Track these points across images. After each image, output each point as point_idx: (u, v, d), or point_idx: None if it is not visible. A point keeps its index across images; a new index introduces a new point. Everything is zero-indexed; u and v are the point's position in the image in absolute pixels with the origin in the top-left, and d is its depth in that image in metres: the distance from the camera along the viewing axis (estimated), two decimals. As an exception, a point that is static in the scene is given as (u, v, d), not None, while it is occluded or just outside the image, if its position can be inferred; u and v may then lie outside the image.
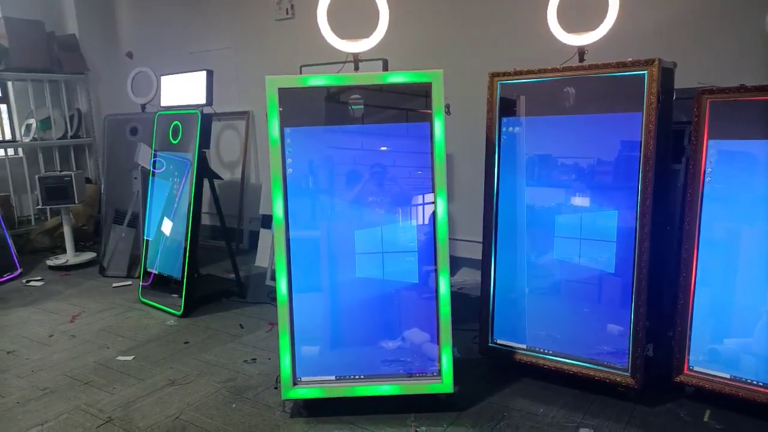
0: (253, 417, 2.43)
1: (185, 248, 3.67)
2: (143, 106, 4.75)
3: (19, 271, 4.75)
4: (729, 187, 2.33)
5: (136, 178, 4.57)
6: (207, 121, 3.74)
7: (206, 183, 3.82)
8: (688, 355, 2.41)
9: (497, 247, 2.73)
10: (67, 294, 4.25)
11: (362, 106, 2.43)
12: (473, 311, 3.01)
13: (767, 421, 2.24)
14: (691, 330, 2.41)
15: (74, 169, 5.72)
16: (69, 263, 4.88)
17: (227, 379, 2.79)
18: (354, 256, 2.44)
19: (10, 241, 4.81)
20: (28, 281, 4.56)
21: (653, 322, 2.46)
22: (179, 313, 3.66)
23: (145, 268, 4.02)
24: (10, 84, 5.80)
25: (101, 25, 6.22)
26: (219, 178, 4.07)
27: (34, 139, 5.72)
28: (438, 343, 2.41)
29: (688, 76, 2.66)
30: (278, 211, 2.38)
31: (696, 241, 2.38)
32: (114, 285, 4.40)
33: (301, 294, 2.43)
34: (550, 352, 2.61)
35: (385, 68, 3.40)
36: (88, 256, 5.04)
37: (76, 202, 4.79)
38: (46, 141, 5.82)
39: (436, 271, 2.39)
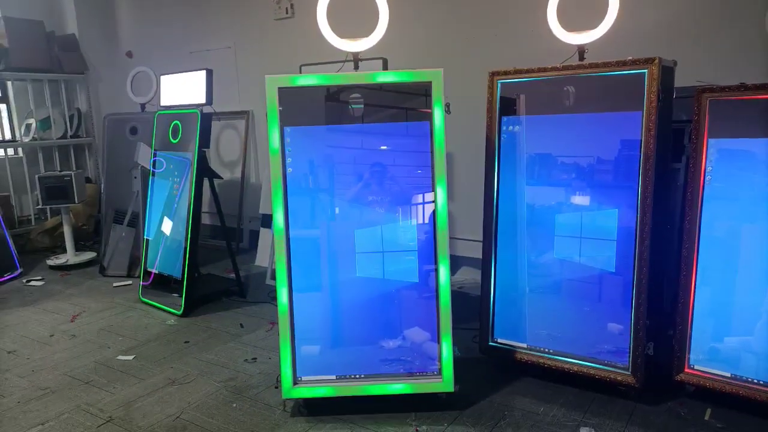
0: (254, 416, 2.43)
1: (185, 248, 3.67)
2: (143, 106, 4.75)
3: (19, 270, 4.75)
4: (729, 185, 2.33)
5: (136, 177, 4.56)
6: (207, 120, 3.74)
7: (206, 182, 3.82)
8: (689, 353, 2.41)
9: (497, 246, 2.73)
10: (68, 294, 4.25)
11: (362, 106, 2.43)
12: (474, 310, 3.01)
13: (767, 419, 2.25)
14: (691, 329, 2.41)
15: (74, 169, 5.72)
16: (69, 263, 4.88)
17: (228, 379, 2.79)
18: (354, 256, 2.44)
19: (10, 241, 4.81)
20: (28, 281, 4.56)
21: (654, 321, 2.46)
22: (179, 312, 3.66)
23: (146, 267, 4.02)
24: (9, 84, 5.79)
25: (101, 24, 6.21)
26: (219, 177, 4.07)
27: (33, 138, 5.72)
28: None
29: (688, 75, 2.65)
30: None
31: (696, 240, 2.38)
32: (114, 284, 4.40)
33: (302, 293, 2.43)
34: (551, 351, 2.61)
35: (385, 67, 3.40)
36: (89, 255, 5.04)
37: (76, 201, 4.79)
38: (46, 141, 5.82)
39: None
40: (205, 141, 3.73)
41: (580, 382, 2.54)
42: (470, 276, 4.20)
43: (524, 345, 2.68)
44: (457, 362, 2.42)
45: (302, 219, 2.43)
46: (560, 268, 2.59)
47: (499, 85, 2.67)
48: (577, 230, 2.53)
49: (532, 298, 2.67)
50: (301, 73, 3.74)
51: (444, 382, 2.39)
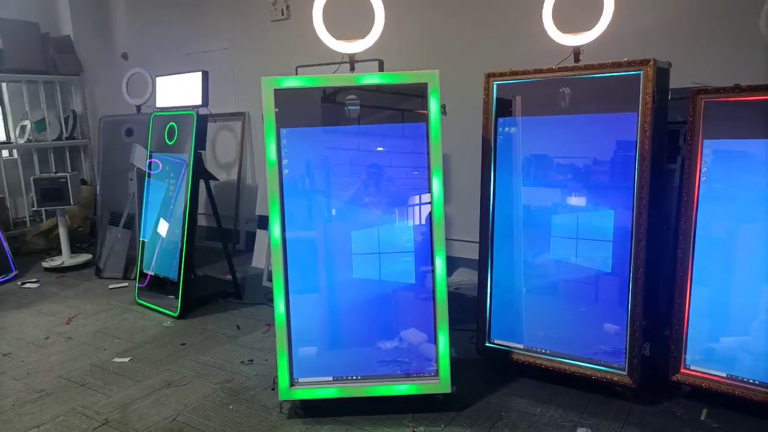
0: (251, 418, 2.43)
1: (181, 249, 3.66)
2: (138, 108, 4.74)
3: (14, 273, 4.73)
4: (724, 186, 2.34)
5: (131, 179, 4.55)
6: (203, 122, 3.73)
7: (202, 184, 3.81)
8: (685, 354, 2.42)
9: (494, 247, 2.73)
10: (63, 296, 4.24)
11: (358, 107, 2.43)
12: (470, 311, 3.02)
13: (764, 419, 2.25)
14: (687, 329, 2.41)
15: (69, 171, 5.68)
16: (65, 265, 4.86)
17: (224, 381, 2.78)
18: (351, 257, 2.44)
19: (5, 243, 4.79)
20: (23, 283, 4.54)
21: (650, 322, 2.47)
22: (176, 314, 3.65)
23: (142, 269, 4.01)
24: (4, 85, 5.77)
25: (96, 26, 6.20)
26: (215, 179, 4.06)
27: (29, 140, 5.69)
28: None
29: (683, 76, 2.66)
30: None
31: (692, 241, 2.39)
32: (110, 287, 4.39)
33: (298, 295, 2.43)
34: (548, 351, 2.61)
35: (381, 69, 3.40)
36: (84, 257, 5.02)
37: (72, 203, 4.77)
38: (41, 142, 5.80)
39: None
40: (201, 142, 3.72)
41: (577, 383, 2.54)
42: (467, 277, 4.21)
43: (521, 346, 2.68)
44: (454, 363, 2.42)
45: (299, 221, 2.43)
46: (556, 268, 2.59)
47: (495, 86, 2.67)
48: (573, 231, 2.54)
49: (528, 299, 2.67)
50: (297, 74, 3.74)
51: (441, 384, 2.39)
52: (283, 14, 4.94)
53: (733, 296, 2.33)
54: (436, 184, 2.36)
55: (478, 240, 2.78)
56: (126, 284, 4.41)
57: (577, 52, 2.54)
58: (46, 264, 4.90)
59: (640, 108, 2.32)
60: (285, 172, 2.39)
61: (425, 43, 4.25)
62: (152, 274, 3.93)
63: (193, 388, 2.72)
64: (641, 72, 2.31)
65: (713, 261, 2.37)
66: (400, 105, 2.47)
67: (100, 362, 3.05)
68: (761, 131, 2.25)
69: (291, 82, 2.37)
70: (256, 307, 3.82)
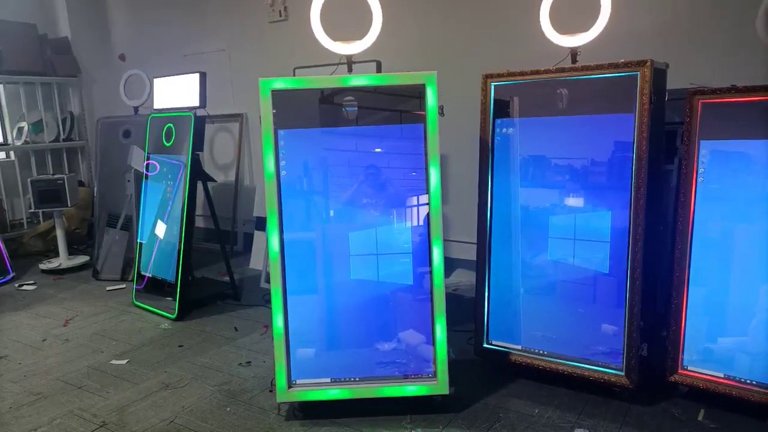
0: (248, 420, 2.43)
1: (179, 251, 3.66)
2: (136, 109, 4.73)
3: (11, 275, 4.72)
4: (721, 186, 2.35)
5: (129, 181, 4.54)
6: (200, 123, 3.73)
7: (200, 185, 3.80)
8: (682, 354, 2.42)
9: (492, 248, 2.73)
10: (60, 298, 4.23)
11: (356, 108, 2.43)
12: (468, 312, 3.02)
13: (761, 419, 2.25)
14: (684, 329, 2.42)
15: (67, 173, 5.65)
16: (62, 267, 4.85)
17: (222, 383, 2.77)
18: (348, 258, 2.44)
19: (2, 245, 4.78)
20: (20, 285, 4.53)
21: (647, 322, 2.47)
22: (173, 316, 3.64)
23: (139, 271, 4.00)
24: (1, 87, 5.75)
25: (94, 27, 6.19)
26: (212, 180, 4.06)
27: (26, 142, 5.68)
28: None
29: (680, 77, 2.67)
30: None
31: (689, 241, 2.39)
32: (107, 288, 4.38)
33: (296, 296, 2.43)
34: (545, 352, 2.61)
35: (379, 70, 3.40)
36: (82, 259, 5.01)
37: (69, 205, 4.77)
38: (39, 144, 5.79)
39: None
40: (198, 144, 3.72)
41: (575, 384, 2.54)
42: (465, 278, 4.21)
43: (519, 347, 2.68)
44: (452, 364, 2.42)
45: (296, 222, 2.43)
46: (554, 269, 2.60)
47: (492, 87, 2.68)
48: (570, 232, 2.54)
49: (526, 299, 2.67)
50: (294, 75, 3.73)
51: (439, 385, 2.39)
52: (280, 15, 4.94)
53: (731, 297, 2.33)
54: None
55: (475, 241, 2.78)
56: (123, 286, 4.40)
57: (574, 53, 2.54)
58: (43, 266, 4.89)
59: (637, 109, 2.33)
60: (283, 173, 2.39)
61: (423, 44, 4.25)
62: (150, 275, 3.92)
63: (191, 390, 2.72)
64: (638, 73, 2.31)
65: (710, 261, 2.38)
66: (398, 106, 2.47)
67: (98, 364, 3.04)
68: (758, 132, 2.26)
69: (289, 84, 2.37)
70: (254, 308, 3.82)
